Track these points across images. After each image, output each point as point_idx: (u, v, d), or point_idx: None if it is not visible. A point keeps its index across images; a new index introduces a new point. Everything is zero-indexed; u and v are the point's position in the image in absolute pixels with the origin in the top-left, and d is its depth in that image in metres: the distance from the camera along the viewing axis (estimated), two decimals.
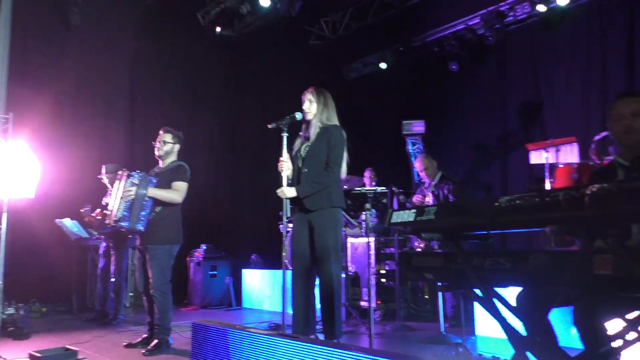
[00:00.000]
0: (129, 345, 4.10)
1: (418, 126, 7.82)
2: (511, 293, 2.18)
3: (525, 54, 7.43)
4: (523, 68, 7.46)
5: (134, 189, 3.87)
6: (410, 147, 8.08)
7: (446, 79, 8.33)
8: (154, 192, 3.96)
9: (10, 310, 4.93)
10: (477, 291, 1.99)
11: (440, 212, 1.87)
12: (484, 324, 4.43)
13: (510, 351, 1.96)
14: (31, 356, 2.69)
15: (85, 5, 6.81)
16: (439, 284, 2.21)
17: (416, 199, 5.28)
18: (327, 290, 3.28)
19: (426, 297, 5.94)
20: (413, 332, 4.74)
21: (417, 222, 1.94)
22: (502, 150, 7.67)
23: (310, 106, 3.54)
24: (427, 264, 2.08)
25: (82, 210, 5.72)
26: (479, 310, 4.48)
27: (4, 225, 5.22)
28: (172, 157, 4.29)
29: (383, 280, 5.63)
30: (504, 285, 2.08)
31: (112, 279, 5.64)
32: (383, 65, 8.77)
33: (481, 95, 7.98)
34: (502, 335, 2.59)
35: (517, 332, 1.94)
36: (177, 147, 4.30)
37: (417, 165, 5.46)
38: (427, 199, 5.18)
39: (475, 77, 8.06)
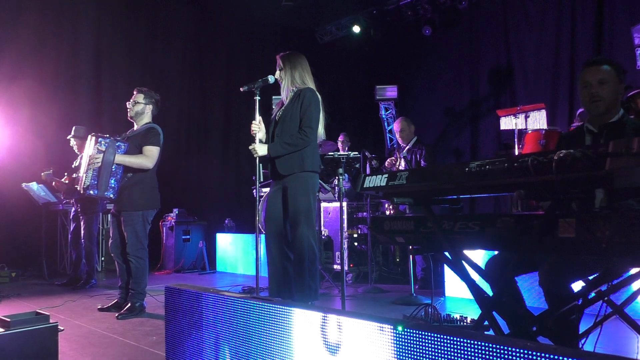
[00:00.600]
0: (102, 309, 4.09)
1: (391, 91, 7.81)
2: (478, 256, 2.24)
3: (497, 20, 7.44)
4: (495, 34, 7.47)
5: (100, 156, 3.75)
6: (383, 113, 8.08)
7: (419, 44, 8.30)
8: (122, 158, 3.85)
9: None
10: (447, 254, 2.04)
11: (412, 177, 1.88)
12: (453, 286, 4.56)
13: (477, 311, 2.02)
14: (0, 320, 2.64)
15: None
16: (410, 247, 2.25)
17: (388, 161, 5.32)
18: (299, 254, 3.30)
19: (397, 260, 6.07)
20: (384, 294, 4.86)
21: (389, 187, 1.95)
22: (473, 116, 7.75)
23: (281, 73, 3.49)
24: (399, 228, 2.11)
25: (43, 174, 5.56)
26: (448, 272, 4.61)
27: None
28: (145, 119, 4.15)
29: (355, 244, 5.71)
30: (473, 248, 2.14)
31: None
32: (356, 29, 8.66)
33: (453, 61, 8.00)
34: (470, 296, 2.67)
35: (484, 292, 2.01)
36: (149, 107, 4.15)
37: (395, 126, 5.47)
38: (399, 162, 5.22)
39: (447, 42, 8.05)
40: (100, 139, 3.79)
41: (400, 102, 8.02)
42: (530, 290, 3.63)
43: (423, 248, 2.17)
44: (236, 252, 6.62)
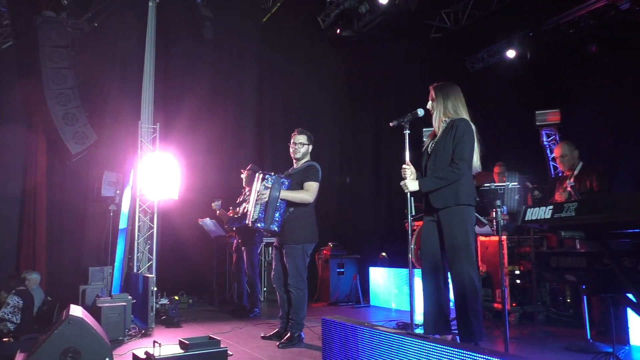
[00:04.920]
0: (265, 337, 4.35)
1: (553, 116, 7.27)
2: None
3: None
4: None
5: (267, 192, 4.09)
6: (545, 139, 7.54)
7: (583, 63, 7.61)
8: (286, 194, 4.14)
9: (164, 301, 5.51)
10: (630, 296, 1.80)
11: (582, 209, 1.72)
12: None
13: None
14: (181, 342, 2.98)
15: (216, 19, 7.35)
16: (583, 287, 2.04)
17: (559, 197, 4.82)
18: (461, 292, 3.17)
19: (568, 300, 5.49)
20: (554, 338, 4.41)
21: (554, 219, 1.81)
22: None
23: (432, 104, 3.48)
24: (568, 265, 1.93)
25: (213, 204, 6.15)
26: (632, 316, 4.03)
27: (155, 224, 5.87)
28: (307, 158, 4.47)
29: (518, 281, 5.30)
30: None
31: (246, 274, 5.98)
32: (511, 53, 8.28)
33: (627, 79, 7.16)
34: None
35: None
36: (310, 147, 4.46)
37: (555, 151, 5.02)
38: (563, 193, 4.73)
39: (618, 58, 7.26)
40: (267, 176, 4.15)
41: (564, 127, 7.40)
42: None
43: (599, 288, 1.95)
44: (389, 287, 6.59)
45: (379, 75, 8.99)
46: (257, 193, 4.18)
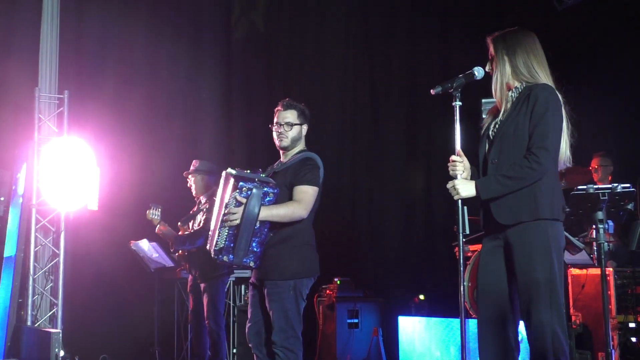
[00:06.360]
0: None
1: None
2: None
3: None
4: None
5: (239, 210, 3.88)
6: None
7: None
8: (269, 212, 3.96)
9: None
10: None
11: None
12: None
13: None
14: None
15: None
16: None
17: None
18: (538, 349, 3.16)
19: None
20: None
21: None
22: None
23: (492, 64, 3.45)
24: None
25: (149, 212, 5.90)
26: None
27: (62, 249, 5.80)
28: (300, 146, 4.33)
29: (633, 339, 5.29)
30: None
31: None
32: None
33: None
34: None
35: None
36: (305, 128, 4.34)
37: None
38: None
39: None
40: (240, 183, 3.91)
41: None
42: None
43: None
44: (429, 346, 6.56)
45: (413, 21, 8.90)
46: (224, 208, 4.03)
